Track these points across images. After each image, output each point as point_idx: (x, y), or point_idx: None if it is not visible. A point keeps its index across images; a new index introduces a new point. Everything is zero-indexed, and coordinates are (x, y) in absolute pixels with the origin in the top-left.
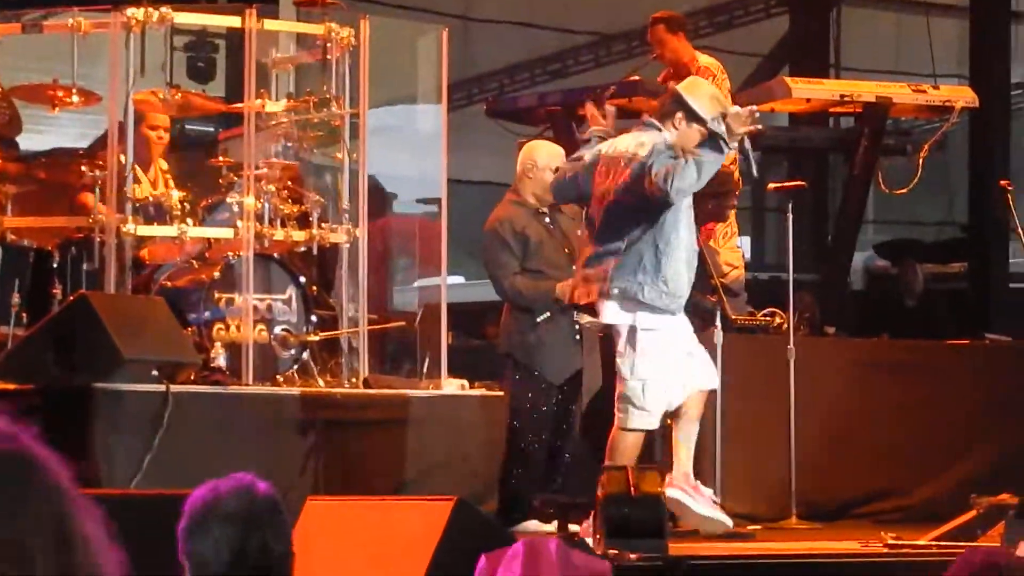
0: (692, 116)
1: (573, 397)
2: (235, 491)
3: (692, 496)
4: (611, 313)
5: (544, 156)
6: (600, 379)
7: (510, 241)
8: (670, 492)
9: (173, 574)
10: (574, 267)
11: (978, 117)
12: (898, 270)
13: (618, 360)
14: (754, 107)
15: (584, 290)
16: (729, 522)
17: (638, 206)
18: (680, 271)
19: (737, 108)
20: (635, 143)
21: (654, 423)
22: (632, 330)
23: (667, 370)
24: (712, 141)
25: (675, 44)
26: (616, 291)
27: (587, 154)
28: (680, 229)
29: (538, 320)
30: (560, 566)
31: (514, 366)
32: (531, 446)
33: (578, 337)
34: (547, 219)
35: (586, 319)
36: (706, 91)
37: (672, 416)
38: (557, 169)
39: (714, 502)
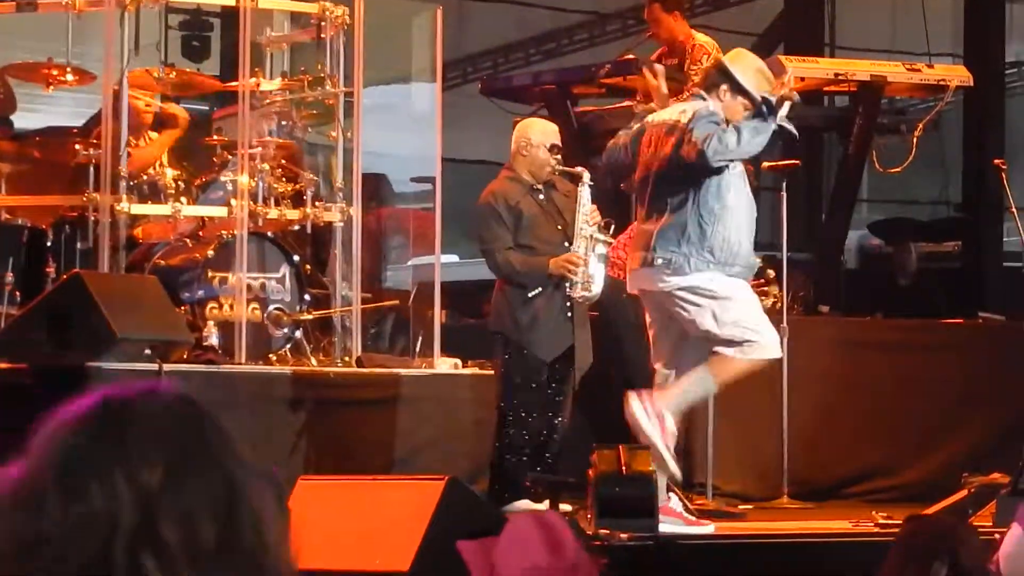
0: (737, 88)
1: (565, 375)
2: None
3: (653, 424)
4: (650, 279)
5: (539, 134)
6: (591, 356)
7: (504, 215)
8: (633, 405)
9: None
10: (567, 244)
11: (972, 96)
12: (892, 249)
13: (698, 320)
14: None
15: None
16: (676, 473)
17: (681, 175)
18: (729, 239)
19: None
20: (678, 112)
21: (776, 352)
22: (692, 289)
23: (751, 302)
24: (758, 111)
25: (671, 23)
26: (660, 261)
27: (636, 125)
28: (727, 197)
29: (530, 296)
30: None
31: (504, 344)
32: (522, 425)
33: (570, 314)
34: (541, 196)
35: (579, 294)
36: (752, 63)
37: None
38: (615, 137)
39: (670, 450)
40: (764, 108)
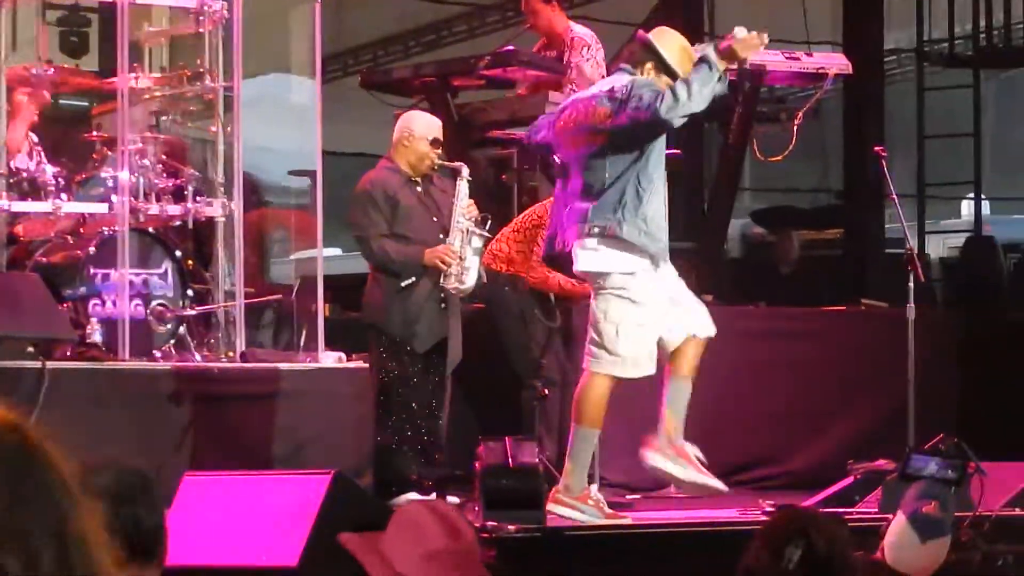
0: (662, 66)
1: (440, 365)
2: (103, 467)
3: (675, 462)
4: (586, 260)
5: (422, 126)
6: (461, 350)
7: (380, 203)
8: (650, 458)
9: None
10: (442, 236)
11: (852, 84)
12: (774, 237)
13: (592, 303)
14: (764, 34)
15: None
16: (720, 485)
17: (621, 143)
18: (660, 214)
19: (744, 31)
20: (607, 84)
21: (626, 371)
22: (607, 274)
23: (644, 317)
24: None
25: (548, 14)
26: (595, 230)
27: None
28: (659, 173)
29: (403, 285)
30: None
31: (377, 336)
32: (402, 418)
33: (443, 306)
34: (419, 188)
35: (452, 285)
36: (676, 42)
37: (664, 372)
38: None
39: (699, 460)
40: (707, 65)
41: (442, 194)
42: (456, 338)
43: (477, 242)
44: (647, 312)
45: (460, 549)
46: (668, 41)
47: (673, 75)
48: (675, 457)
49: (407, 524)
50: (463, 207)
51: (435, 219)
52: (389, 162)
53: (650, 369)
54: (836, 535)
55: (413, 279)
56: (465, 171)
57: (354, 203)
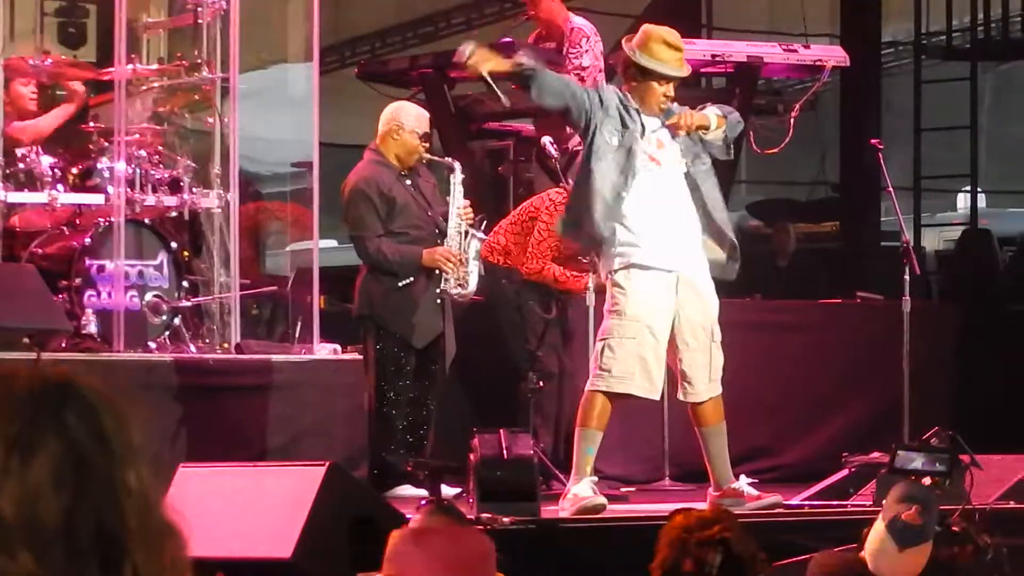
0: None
1: (435, 360)
2: None
3: (741, 501)
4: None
5: (412, 119)
6: (455, 347)
7: (376, 201)
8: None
9: None
10: (437, 230)
11: (849, 76)
12: (771, 230)
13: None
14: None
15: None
16: (777, 497)
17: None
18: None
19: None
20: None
21: (621, 387)
22: (609, 282)
23: (633, 331)
24: None
25: (548, 5)
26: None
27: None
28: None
29: (400, 285)
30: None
31: (375, 330)
32: (397, 412)
33: (439, 302)
34: (408, 182)
35: (450, 288)
36: (658, 44)
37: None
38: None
39: (750, 484)
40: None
41: (431, 187)
42: (451, 333)
43: (476, 244)
44: (636, 327)
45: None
46: (653, 51)
47: (672, 79)
48: (731, 500)
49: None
50: (459, 208)
51: (428, 213)
52: (376, 155)
53: (646, 390)
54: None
55: (411, 279)
56: (458, 168)
57: (349, 202)
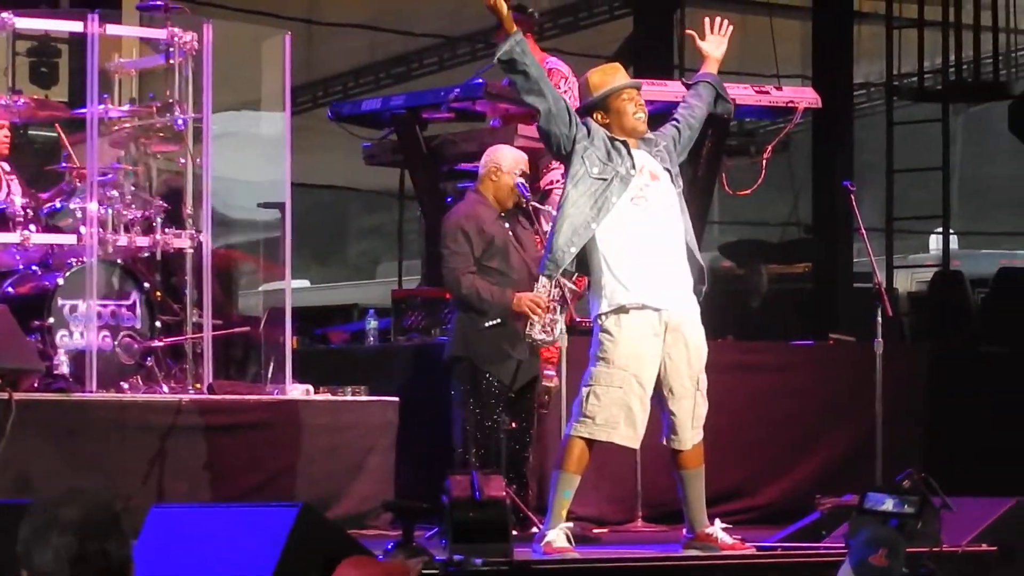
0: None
1: (529, 403)
2: (70, 500)
3: (704, 549)
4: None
5: (510, 161)
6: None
7: (473, 236)
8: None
9: None
10: (529, 275)
11: (821, 118)
12: (743, 271)
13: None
14: None
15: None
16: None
17: None
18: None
19: None
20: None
21: (604, 435)
22: (594, 330)
23: (629, 383)
24: None
25: None
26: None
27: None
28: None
29: (486, 325)
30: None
31: (471, 371)
32: (484, 453)
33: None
34: (507, 224)
35: (535, 333)
36: (609, 78)
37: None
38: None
39: (724, 528)
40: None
41: (525, 231)
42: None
43: (564, 292)
44: (624, 377)
45: None
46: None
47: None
48: (703, 545)
49: None
50: None
51: (523, 257)
52: (479, 196)
53: (628, 439)
54: None
55: (499, 320)
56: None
57: (447, 236)
